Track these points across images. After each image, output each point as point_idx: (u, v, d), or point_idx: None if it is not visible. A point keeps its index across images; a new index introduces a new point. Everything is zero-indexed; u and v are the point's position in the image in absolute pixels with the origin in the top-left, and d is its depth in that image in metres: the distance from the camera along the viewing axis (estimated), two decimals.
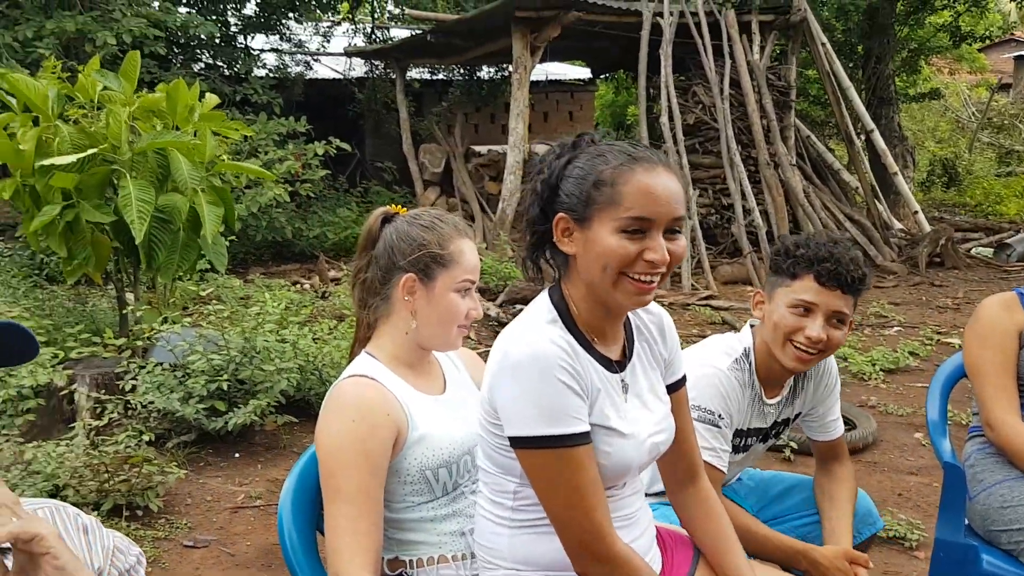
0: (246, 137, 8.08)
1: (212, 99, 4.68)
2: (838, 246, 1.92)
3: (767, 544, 1.99)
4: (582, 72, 15.63)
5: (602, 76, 15.40)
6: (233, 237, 6.71)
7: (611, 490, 1.53)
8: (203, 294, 5.31)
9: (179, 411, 3.83)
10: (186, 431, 4.05)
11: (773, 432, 2.18)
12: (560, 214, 1.44)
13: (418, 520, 1.66)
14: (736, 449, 2.06)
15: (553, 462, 1.39)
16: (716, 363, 1.97)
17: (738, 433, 2.05)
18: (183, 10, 10.65)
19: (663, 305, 7.23)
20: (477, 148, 11.67)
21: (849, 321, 1.96)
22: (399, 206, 1.83)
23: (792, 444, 4.04)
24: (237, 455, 4.12)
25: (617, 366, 1.53)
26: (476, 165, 11.05)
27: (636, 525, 1.59)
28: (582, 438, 1.40)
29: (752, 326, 2.09)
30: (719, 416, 1.93)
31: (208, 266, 5.34)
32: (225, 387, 3.95)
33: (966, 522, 2.35)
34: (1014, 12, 25.08)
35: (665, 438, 1.59)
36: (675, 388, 1.67)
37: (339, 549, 1.53)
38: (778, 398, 2.09)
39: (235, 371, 4.03)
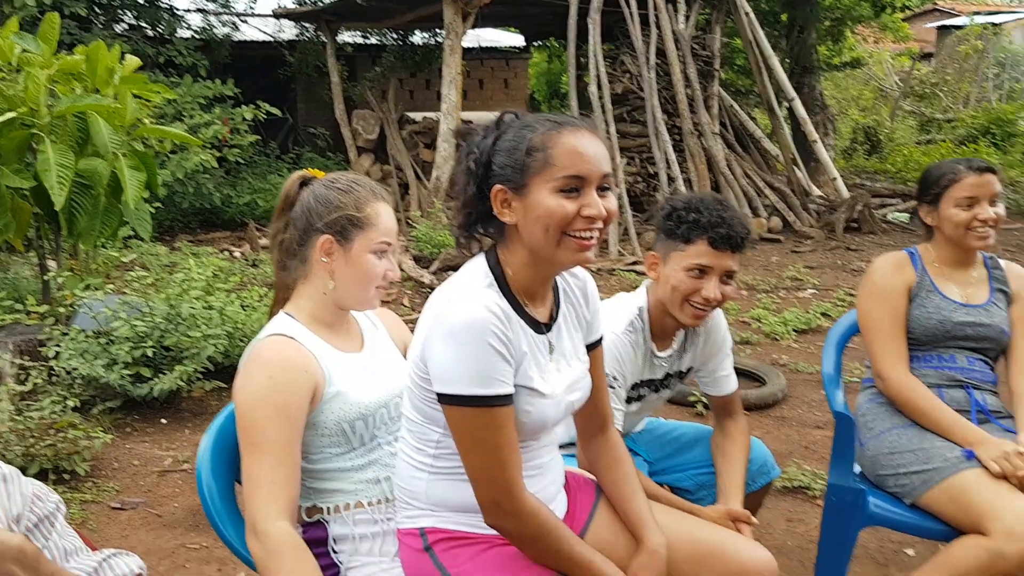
0: (171, 101, 7.97)
1: (133, 61, 4.61)
2: (727, 209, 2.04)
3: (657, 501, 2.14)
4: (516, 39, 15.61)
5: (535, 43, 15.41)
6: (158, 204, 6.65)
7: (527, 443, 1.64)
8: (126, 260, 5.27)
9: (103, 377, 3.85)
10: (111, 397, 4.06)
11: (665, 383, 2.31)
12: (497, 186, 1.52)
13: (336, 470, 1.75)
14: (630, 400, 2.20)
15: (476, 420, 1.49)
16: (612, 327, 2.09)
17: (632, 386, 2.18)
18: None
19: (590, 271, 7.43)
20: (412, 115, 11.60)
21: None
22: (316, 170, 1.88)
23: (704, 399, 4.23)
24: (164, 421, 4.16)
25: (545, 327, 1.63)
26: (410, 132, 11.00)
27: (547, 474, 1.72)
28: (505, 400, 1.50)
29: (647, 286, 2.23)
30: (613, 378, 2.05)
31: (133, 233, 5.31)
32: (150, 353, 3.97)
33: (858, 469, 2.51)
34: None
35: (580, 396, 1.71)
36: (593, 347, 1.79)
37: (256, 497, 1.61)
38: (669, 351, 2.23)
39: (160, 338, 4.04)
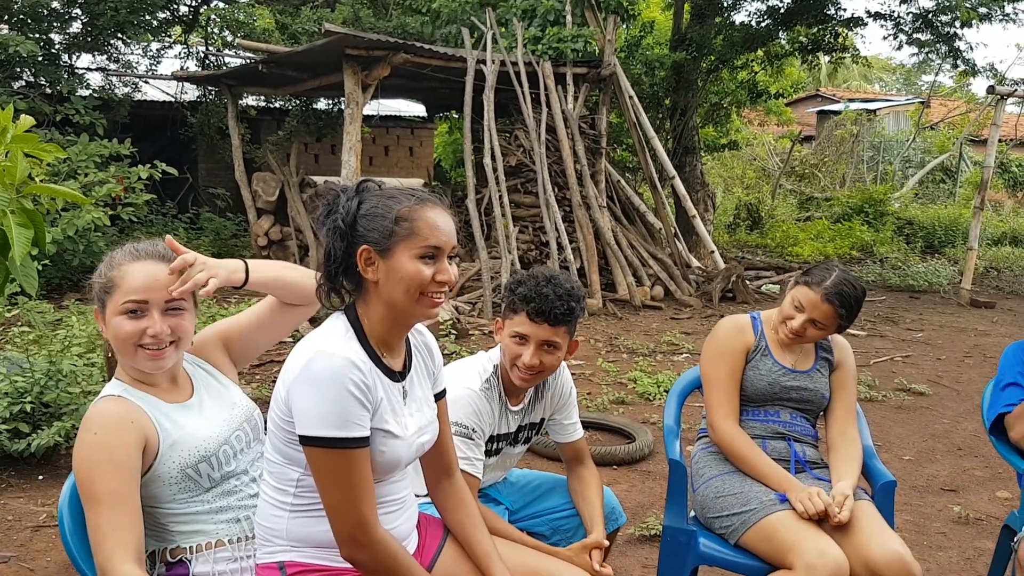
0: (65, 159, 7.94)
1: (26, 120, 4.66)
2: (550, 284, 2.25)
3: (518, 543, 2.29)
4: (418, 109, 16.01)
5: (438, 115, 15.86)
6: (47, 261, 6.59)
7: (384, 480, 1.84)
8: (9, 316, 5.23)
9: None
10: None
11: (521, 437, 2.55)
12: (363, 246, 1.71)
13: (193, 513, 1.86)
14: (488, 454, 2.42)
15: (334, 459, 1.67)
16: (470, 384, 2.32)
17: (489, 440, 2.40)
18: (3, 27, 10.27)
19: (486, 332, 7.67)
20: (314, 178, 11.76)
21: (567, 345, 2.33)
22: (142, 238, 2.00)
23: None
24: (41, 477, 4.13)
25: (400, 376, 1.84)
26: (311, 195, 11.14)
27: (402, 509, 1.91)
28: (361, 442, 1.69)
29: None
30: (472, 430, 2.27)
31: (19, 290, 5.29)
32: (29, 409, 3.96)
33: (692, 513, 2.76)
34: (823, 69, 27.67)
35: (429, 438, 1.92)
36: (438, 398, 2.01)
37: (101, 545, 1.71)
38: (521, 405, 2.48)
39: (40, 394, 4.04)
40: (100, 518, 1.72)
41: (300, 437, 1.69)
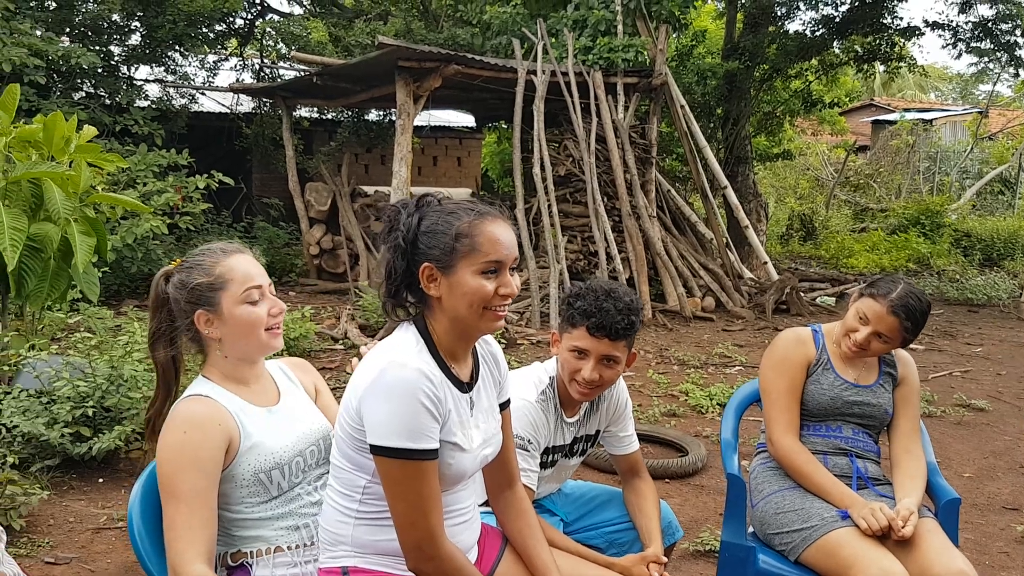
0: (125, 168, 8.14)
1: (89, 131, 4.80)
2: (610, 298, 2.23)
3: (577, 555, 2.28)
4: (468, 120, 16.11)
5: (487, 125, 15.93)
6: (107, 268, 6.76)
7: (449, 490, 1.84)
8: (72, 322, 5.36)
9: (44, 435, 3.92)
10: (50, 456, 4.12)
11: (576, 449, 2.53)
12: (425, 264, 1.72)
13: (257, 519, 1.90)
14: (543, 466, 2.41)
15: (403, 471, 1.68)
16: (526, 395, 2.31)
17: (544, 451, 2.39)
18: (65, 40, 10.58)
19: (534, 343, 7.66)
20: (364, 188, 11.88)
21: (626, 358, 2.30)
22: (177, 261, 2.00)
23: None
24: (101, 480, 4.22)
25: (467, 387, 1.85)
26: (362, 205, 11.24)
27: (468, 521, 1.92)
28: (431, 454, 1.70)
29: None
30: (528, 441, 2.27)
31: (80, 296, 5.42)
32: (91, 413, 4.05)
33: (751, 528, 2.72)
34: (878, 79, 27.26)
35: (493, 451, 1.93)
36: (502, 408, 2.01)
37: (174, 542, 1.76)
38: (576, 416, 2.46)
39: (101, 398, 4.13)
40: (178, 515, 1.76)
41: (371, 446, 1.70)
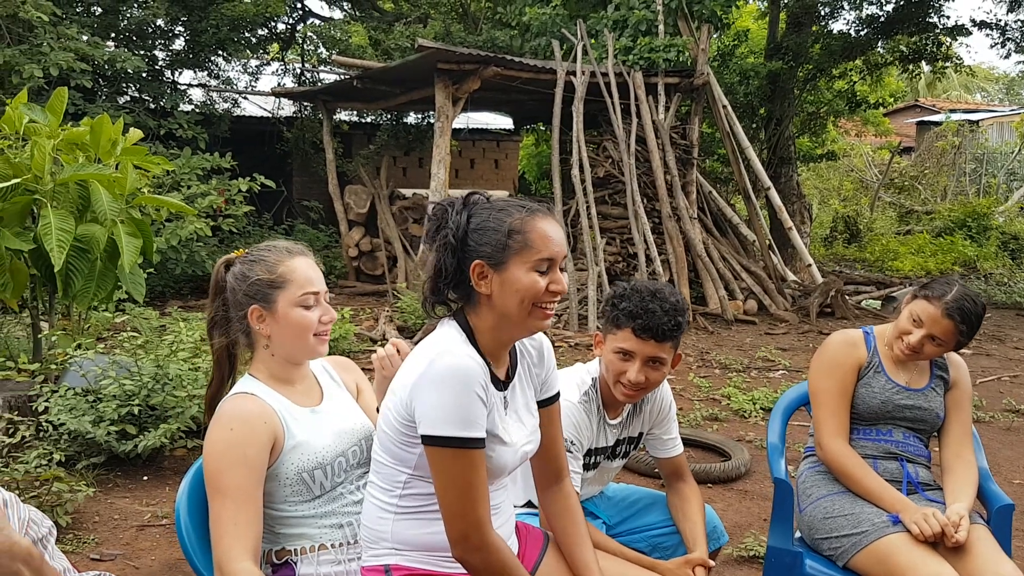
0: (169, 171, 8.26)
1: (135, 134, 4.87)
2: (656, 299, 2.19)
3: (620, 557, 2.27)
4: (506, 122, 16.11)
5: (525, 127, 15.92)
6: (152, 269, 6.85)
7: (489, 484, 1.82)
8: (117, 322, 5.43)
9: (90, 433, 3.98)
10: (96, 453, 4.18)
11: (619, 451, 2.50)
12: (477, 261, 1.72)
13: (300, 517, 1.91)
14: (586, 467, 2.38)
15: (455, 460, 1.67)
16: (569, 396, 2.28)
17: (587, 453, 2.36)
18: (111, 44, 10.78)
19: (572, 345, 7.61)
20: (403, 191, 11.94)
21: (671, 360, 2.26)
22: (241, 250, 2.04)
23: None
24: (146, 478, 4.27)
25: (503, 385, 1.84)
26: (400, 207, 11.29)
27: (501, 515, 1.90)
28: (481, 443, 1.70)
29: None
30: (571, 443, 2.24)
31: (126, 296, 5.50)
32: (136, 412, 4.10)
33: (797, 533, 2.67)
34: (923, 79, 26.78)
35: (532, 447, 1.91)
36: (549, 403, 1.99)
37: (221, 539, 1.77)
38: (619, 418, 2.43)
39: (147, 397, 4.18)
40: (224, 511, 1.77)
41: (423, 437, 1.69)
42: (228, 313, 1.98)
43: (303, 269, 1.97)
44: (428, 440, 1.68)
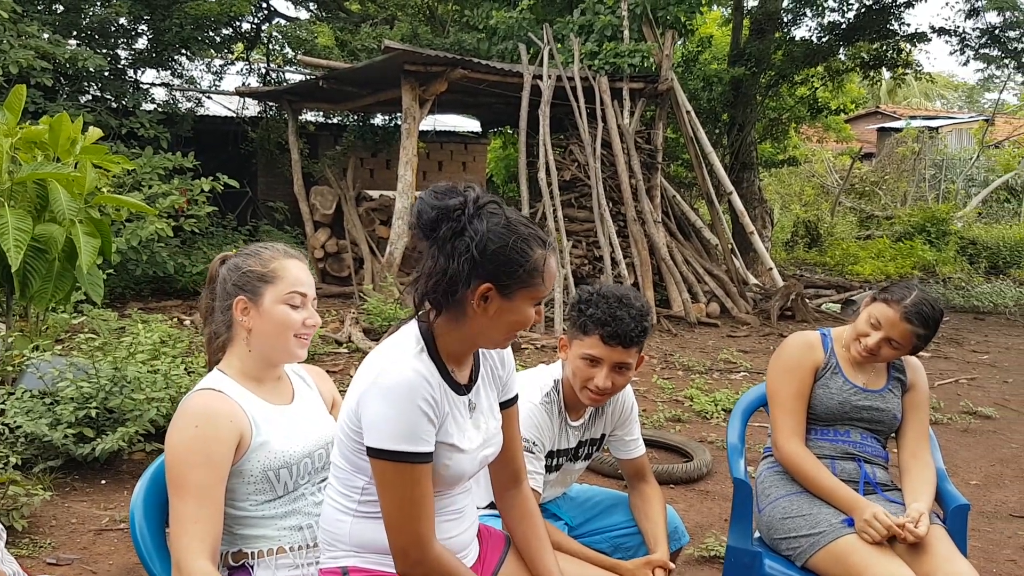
0: (130, 171, 8.15)
1: (95, 132, 4.80)
2: (623, 306, 2.19)
3: (580, 557, 2.28)
4: (473, 125, 16.12)
5: (492, 130, 15.94)
6: (111, 270, 6.75)
7: (446, 491, 1.82)
8: (75, 323, 5.35)
9: (47, 436, 3.91)
10: (53, 456, 4.11)
11: (582, 453, 2.51)
12: (487, 284, 1.66)
13: (261, 517, 1.89)
14: (549, 469, 2.39)
15: (397, 473, 1.66)
16: (530, 397, 2.29)
17: (549, 454, 2.37)
18: (72, 43, 10.61)
19: (538, 347, 7.63)
20: (370, 192, 11.88)
21: (636, 362, 2.28)
22: (235, 250, 2.08)
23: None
24: (104, 481, 4.20)
25: (465, 389, 1.83)
26: (367, 209, 11.23)
27: (463, 519, 1.90)
28: (425, 457, 1.68)
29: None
30: (532, 444, 2.25)
31: (84, 298, 5.42)
32: (94, 414, 4.03)
33: (757, 533, 2.70)
34: (883, 86, 27.25)
35: (493, 451, 1.91)
36: (508, 405, 1.99)
37: (180, 536, 1.75)
38: (581, 420, 2.44)
39: (104, 399, 4.11)
40: (185, 508, 1.76)
41: (368, 448, 1.68)
42: (214, 303, 1.99)
43: (295, 270, 1.98)
44: (372, 452, 1.68)
